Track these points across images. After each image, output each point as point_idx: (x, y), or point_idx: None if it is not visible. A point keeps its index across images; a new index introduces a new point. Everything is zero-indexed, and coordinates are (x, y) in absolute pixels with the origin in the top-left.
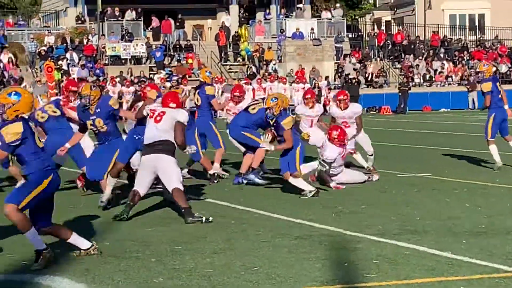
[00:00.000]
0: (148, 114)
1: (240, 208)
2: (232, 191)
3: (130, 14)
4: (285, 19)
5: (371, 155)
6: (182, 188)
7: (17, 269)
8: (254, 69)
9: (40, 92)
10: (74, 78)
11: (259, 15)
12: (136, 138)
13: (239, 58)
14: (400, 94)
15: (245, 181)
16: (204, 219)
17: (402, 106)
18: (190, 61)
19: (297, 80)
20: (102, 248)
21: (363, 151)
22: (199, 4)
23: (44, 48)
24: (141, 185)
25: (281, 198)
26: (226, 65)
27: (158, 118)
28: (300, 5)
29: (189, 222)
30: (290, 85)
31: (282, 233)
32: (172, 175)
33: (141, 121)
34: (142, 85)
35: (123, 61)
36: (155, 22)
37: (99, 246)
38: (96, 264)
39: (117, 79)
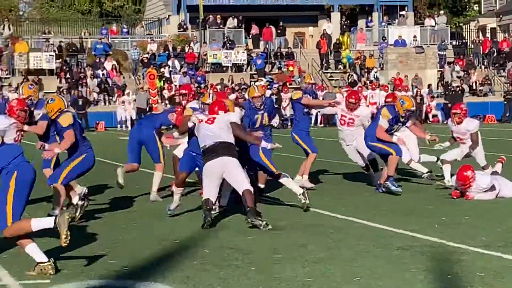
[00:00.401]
0: (194, 124)
1: (340, 217)
2: (332, 200)
3: (231, 22)
4: (387, 27)
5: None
6: (251, 189)
7: (119, 274)
8: (355, 76)
9: (143, 99)
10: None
11: (361, 23)
12: (193, 154)
13: (340, 66)
14: (505, 102)
15: (384, 190)
16: (264, 223)
17: (507, 115)
18: (291, 68)
19: (399, 88)
20: (202, 256)
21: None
22: (300, 12)
23: (146, 55)
24: (211, 193)
25: (382, 207)
26: (327, 72)
27: (209, 121)
28: (403, 12)
29: (250, 222)
30: None
31: (383, 243)
32: (240, 177)
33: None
34: (243, 92)
35: (224, 68)
36: (254, 30)
37: (198, 254)
38: (196, 271)
39: (218, 87)
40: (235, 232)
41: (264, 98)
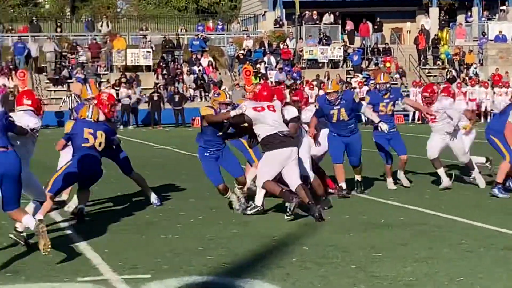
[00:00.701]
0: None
1: (440, 215)
2: (433, 198)
3: (328, 18)
4: (487, 22)
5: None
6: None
7: (218, 271)
8: (454, 72)
9: (238, 95)
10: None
11: (460, 18)
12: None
13: (438, 62)
14: None
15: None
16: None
17: None
18: (388, 64)
19: (500, 84)
20: (301, 253)
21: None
22: (397, 7)
23: (242, 51)
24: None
25: (483, 206)
26: (425, 68)
27: (271, 109)
28: (503, 7)
29: (312, 214)
30: (492, 89)
31: (487, 242)
32: (297, 171)
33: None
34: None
35: (320, 64)
36: (349, 26)
37: (297, 251)
38: (296, 269)
39: (314, 83)
40: (333, 229)
41: (339, 94)
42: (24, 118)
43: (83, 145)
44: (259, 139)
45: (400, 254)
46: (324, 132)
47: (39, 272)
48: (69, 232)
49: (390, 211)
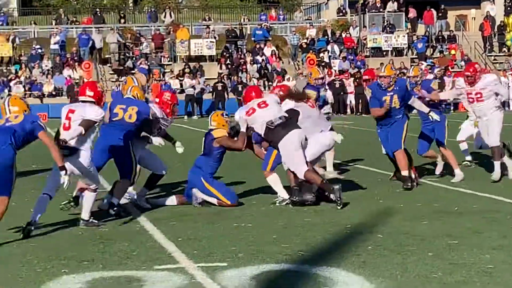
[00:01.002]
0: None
1: None
2: (505, 186)
3: (391, 6)
4: None
5: None
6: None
7: (294, 259)
8: None
9: (302, 84)
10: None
11: None
12: None
13: (504, 49)
14: None
15: None
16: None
17: None
18: (453, 52)
19: None
20: (375, 241)
21: None
22: None
23: (305, 41)
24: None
25: None
26: (491, 55)
27: (263, 105)
28: None
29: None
30: None
31: None
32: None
33: None
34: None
35: (384, 52)
36: (412, 13)
37: (371, 239)
38: (372, 257)
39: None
40: (406, 217)
41: (392, 79)
42: (86, 110)
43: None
44: (264, 137)
45: (476, 242)
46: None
47: (115, 260)
48: (142, 220)
49: (463, 198)
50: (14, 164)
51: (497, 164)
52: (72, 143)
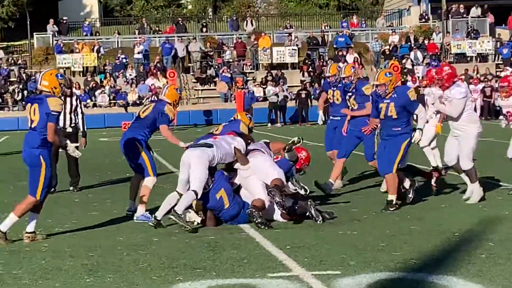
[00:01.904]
0: None
1: None
2: None
3: (475, 11)
4: None
5: None
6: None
7: (407, 267)
8: None
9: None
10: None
11: None
12: None
13: None
14: None
15: None
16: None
17: None
18: None
19: None
20: (487, 249)
21: None
22: None
23: (388, 47)
24: None
25: None
26: None
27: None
28: None
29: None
30: None
31: None
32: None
33: None
34: (488, 84)
35: (469, 58)
36: (490, 18)
37: (482, 246)
38: (488, 265)
39: (462, 77)
40: None
41: (388, 86)
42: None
43: None
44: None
45: None
46: None
47: (227, 268)
48: (246, 228)
49: None
50: None
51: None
52: None
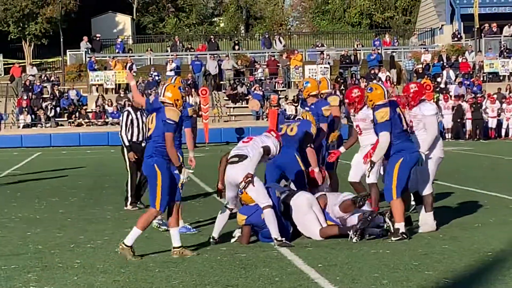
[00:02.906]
0: None
1: None
2: None
3: (508, 30)
4: None
5: None
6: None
7: (440, 286)
8: None
9: None
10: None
11: None
12: None
13: None
14: None
15: None
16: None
17: None
18: None
19: None
20: None
21: None
22: None
23: (420, 66)
24: None
25: None
26: None
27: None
28: None
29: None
30: None
31: None
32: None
33: None
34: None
35: (501, 77)
36: None
37: None
38: None
39: (495, 96)
40: None
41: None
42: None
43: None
44: None
45: None
46: None
47: (260, 285)
48: (277, 246)
49: None
50: None
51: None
52: None
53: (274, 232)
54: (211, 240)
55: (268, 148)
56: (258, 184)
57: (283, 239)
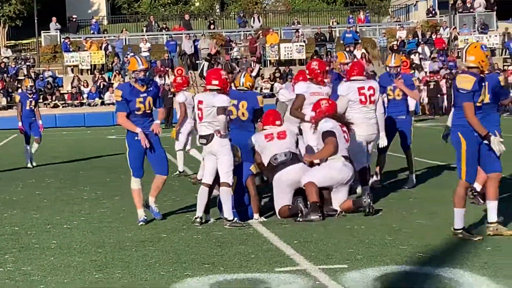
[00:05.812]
0: None
1: None
2: None
3: (479, 1)
4: None
5: None
6: None
7: (414, 261)
8: None
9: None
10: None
11: None
12: None
13: None
14: None
15: None
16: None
17: None
18: None
19: None
20: (493, 243)
21: None
22: None
23: (395, 42)
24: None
25: None
26: None
27: (282, 135)
28: None
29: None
30: None
31: None
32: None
33: None
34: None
35: None
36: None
37: (489, 240)
38: (493, 257)
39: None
40: None
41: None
42: (214, 99)
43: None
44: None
45: None
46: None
47: (235, 263)
48: (253, 223)
49: None
50: None
51: None
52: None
53: (227, 212)
54: (198, 220)
55: None
56: (228, 159)
57: (235, 219)
